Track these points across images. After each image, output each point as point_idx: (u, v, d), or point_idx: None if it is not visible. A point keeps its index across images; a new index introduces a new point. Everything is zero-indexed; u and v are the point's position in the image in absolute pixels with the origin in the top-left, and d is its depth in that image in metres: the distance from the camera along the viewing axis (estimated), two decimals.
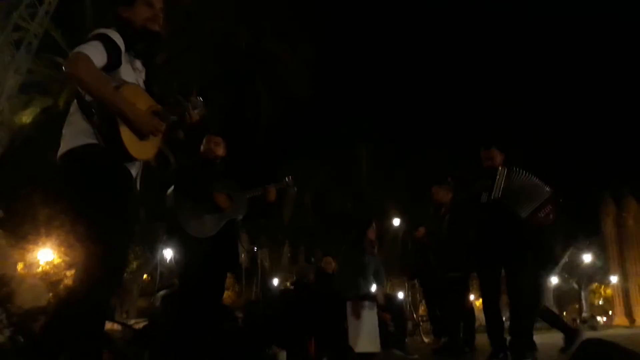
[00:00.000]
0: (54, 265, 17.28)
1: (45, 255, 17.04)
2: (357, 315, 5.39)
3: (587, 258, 36.50)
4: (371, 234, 5.97)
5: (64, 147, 2.34)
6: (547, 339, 11.77)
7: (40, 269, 16.49)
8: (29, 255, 14.27)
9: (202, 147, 4.46)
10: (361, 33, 40.38)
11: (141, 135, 2.36)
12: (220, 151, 4.45)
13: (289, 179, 4.78)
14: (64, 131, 2.39)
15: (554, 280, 38.01)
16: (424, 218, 6.60)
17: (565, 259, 36.37)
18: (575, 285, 39.83)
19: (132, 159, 2.40)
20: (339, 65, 24.11)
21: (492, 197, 4.52)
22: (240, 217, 4.49)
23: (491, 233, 4.59)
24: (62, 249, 14.02)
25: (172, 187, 4.25)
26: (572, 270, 37.93)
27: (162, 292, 4.92)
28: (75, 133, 2.32)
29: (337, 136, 24.21)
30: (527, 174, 4.59)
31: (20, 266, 11.73)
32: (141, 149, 2.40)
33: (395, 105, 26.70)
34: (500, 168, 4.62)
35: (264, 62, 20.79)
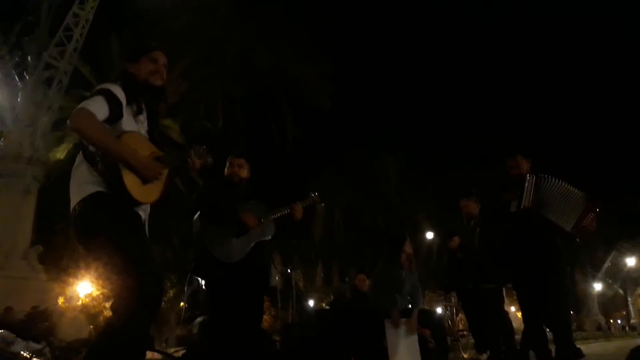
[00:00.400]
0: (93, 298, 17.58)
1: (85, 288, 17.37)
2: (396, 332, 5.29)
3: (630, 261, 35.18)
4: (408, 248, 5.87)
5: (74, 199, 2.47)
6: (590, 348, 11.38)
7: (80, 302, 16.82)
8: (69, 288, 14.57)
9: (225, 170, 4.49)
10: (386, 46, 40.50)
11: (144, 180, 2.49)
12: (244, 173, 4.45)
13: (314, 194, 4.76)
14: (71, 186, 2.52)
15: (597, 286, 36.82)
16: (456, 230, 6.50)
17: (607, 264, 35.19)
18: (621, 291, 38.40)
19: (137, 203, 2.52)
20: (363, 79, 24.13)
21: (522, 207, 4.42)
22: (269, 237, 4.48)
23: (523, 243, 4.48)
24: (100, 281, 14.29)
25: (198, 213, 4.28)
26: (616, 275, 36.60)
27: (199, 319, 4.92)
28: (82, 184, 2.46)
29: (363, 150, 24.16)
30: (557, 181, 4.47)
31: (60, 300, 11.98)
32: (145, 193, 2.53)
33: (422, 117, 26.53)
34: (528, 176, 4.51)
35: (286, 82, 21.00)
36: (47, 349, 3.66)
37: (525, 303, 4.58)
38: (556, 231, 4.44)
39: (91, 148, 2.46)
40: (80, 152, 2.53)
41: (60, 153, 15.05)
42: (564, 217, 4.38)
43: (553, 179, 4.47)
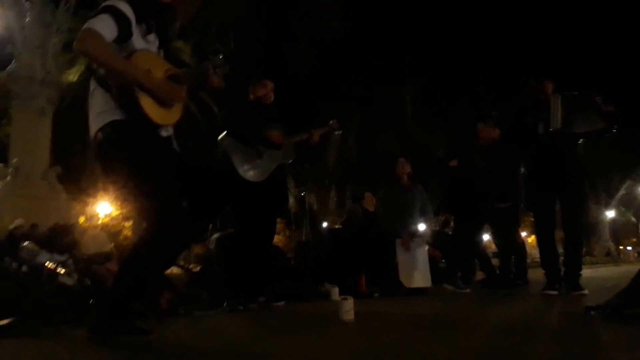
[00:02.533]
0: (113, 218, 18.14)
1: (104, 208, 17.89)
2: (407, 252, 5.41)
3: None
4: (400, 169, 5.85)
5: (93, 128, 2.40)
6: (598, 272, 11.56)
7: (100, 222, 17.39)
8: (89, 208, 15.01)
9: (252, 92, 4.45)
10: None
11: (161, 102, 2.38)
12: (269, 95, 4.44)
13: (333, 122, 4.74)
14: (89, 113, 2.43)
15: (610, 214, 36.97)
16: (465, 151, 6.50)
17: (622, 191, 35.11)
18: (633, 219, 38.53)
19: (157, 127, 2.42)
20: (380, 2, 23.02)
21: (552, 128, 4.34)
22: (289, 161, 4.53)
23: (548, 165, 4.44)
24: (119, 202, 14.63)
25: (225, 132, 4.29)
26: (630, 203, 36.60)
27: (216, 235, 5.06)
28: (99, 112, 2.37)
29: (379, 76, 23.63)
30: (580, 96, 4.37)
31: (81, 219, 12.35)
32: (165, 114, 2.42)
33: (440, 42, 25.55)
34: (552, 97, 4.40)
35: (300, 3, 20.26)
36: (70, 261, 3.79)
37: (542, 222, 4.61)
38: (569, 148, 4.40)
39: (101, 71, 2.35)
40: (92, 76, 2.43)
41: (72, 75, 14.95)
42: (592, 121, 4.32)
43: (572, 95, 4.37)
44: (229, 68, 2.78)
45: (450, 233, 6.40)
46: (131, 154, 2.34)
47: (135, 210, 2.54)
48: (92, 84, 2.43)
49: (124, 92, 2.30)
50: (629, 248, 40.57)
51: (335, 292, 4.63)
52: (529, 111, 4.61)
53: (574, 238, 4.49)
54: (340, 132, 5.02)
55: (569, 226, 4.47)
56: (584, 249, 5.46)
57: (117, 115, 2.33)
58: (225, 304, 3.93)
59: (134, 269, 2.37)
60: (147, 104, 2.33)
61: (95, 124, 2.38)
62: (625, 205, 36.83)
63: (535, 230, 4.71)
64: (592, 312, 2.86)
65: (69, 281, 3.57)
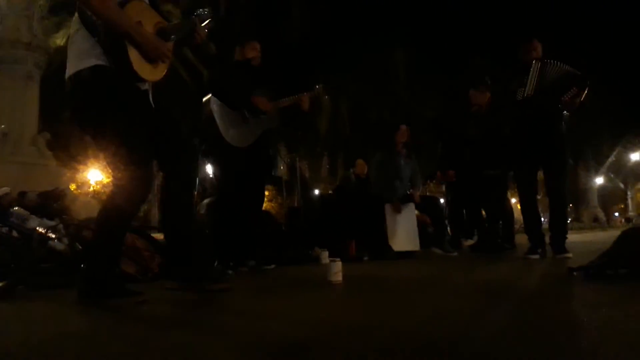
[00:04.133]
0: (104, 185, 18.11)
1: (95, 175, 17.84)
2: (396, 216, 5.47)
3: (634, 157, 35.30)
4: (401, 136, 5.90)
5: (71, 69, 2.36)
6: (584, 236, 11.75)
7: (91, 189, 17.35)
8: (80, 175, 14.97)
9: (238, 53, 4.40)
10: None
11: (147, 58, 2.37)
12: (257, 57, 4.39)
13: (319, 86, 4.70)
14: (69, 51, 2.40)
15: (599, 180, 37.39)
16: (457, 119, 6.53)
17: (612, 158, 35.39)
18: (621, 185, 39.00)
19: (141, 80, 2.43)
20: None
21: (525, 95, 4.37)
22: (274, 126, 4.50)
23: (527, 131, 4.48)
24: (109, 169, 14.60)
25: (210, 95, 4.25)
26: (619, 170, 36.98)
27: (206, 201, 5.09)
28: (81, 53, 2.34)
29: (372, 43, 23.33)
30: (560, 64, 4.36)
31: (72, 186, 12.31)
32: (150, 70, 2.42)
33: (434, 9, 25.16)
34: (534, 62, 4.39)
35: None
36: (60, 226, 3.80)
37: (524, 189, 4.68)
38: (547, 114, 4.42)
39: (89, 14, 2.30)
40: (77, 15, 2.38)
41: (60, 39, 14.63)
42: (563, 83, 4.31)
43: (557, 63, 4.35)
44: (214, 22, 2.75)
45: (438, 198, 6.49)
46: (109, 102, 2.33)
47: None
48: (76, 24, 2.39)
49: (112, 39, 2.28)
50: (616, 214, 41.19)
51: (325, 255, 4.69)
52: (514, 76, 4.60)
53: (558, 204, 4.56)
54: (327, 97, 4.98)
55: (552, 193, 4.53)
56: (572, 216, 5.56)
57: (100, 61, 2.31)
58: (214, 267, 3.98)
59: (108, 229, 2.39)
60: (135, 58, 2.33)
61: (73, 65, 2.35)
62: (614, 172, 37.21)
63: (519, 196, 4.76)
64: (575, 273, 2.93)
65: (60, 246, 3.59)
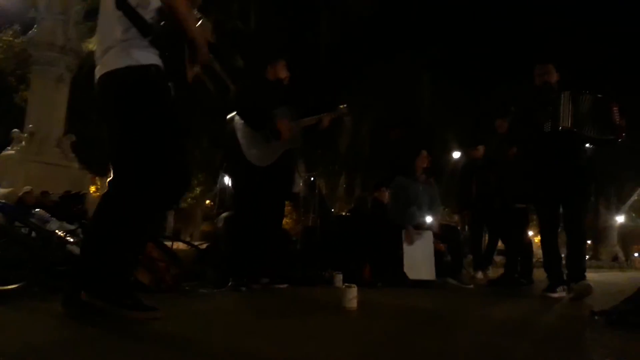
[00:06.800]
0: None
1: None
2: (412, 243, 5.41)
3: None
4: (421, 162, 5.85)
5: (117, 63, 2.33)
6: (603, 276, 11.48)
7: None
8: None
9: (270, 71, 4.43)
10: None
11: (194, 60, 2.47)
12: (285, 75, 4.41)
13: (343, 107, 4.71)
14: (112, 44, 2.36)
15: (620, 218, 36.65)
16: (483, 141, 6.48)
17: (635, 197, 34.74)
18: None
19: (187, 80, 2.49)
20: None
21: (561, 127, 4.26)
22: (296, 146, 4.52)
23: (555, 165, 4.38)
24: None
25: (234, 112, 4.28)
26: None
27: (224, 214, 5.10)
28: (130, 48, 2.32)
29: (397, 65, 23.38)
30: (592, 94, 4.28)
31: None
32: (190, 71, 2.52)
33: (461, 33, 25.13)
34: (563, 94, 4.31)
35: None
36: (79, 230, 3.83)
37: (547, 223, 4.57)
38: (577, 148, 4.34)
39: (151, 17, 2.32)
40: (120, 15, 2.32)
41: (92, 44, 14.95)
42: (603, 128, 4.23)
43: (588, 93, 4.29)
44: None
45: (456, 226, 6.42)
46: (156, 102, 2.35)
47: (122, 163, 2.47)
48: (122, 24, 2.34)
49: (168, 39, 2.36)
50: (636, 254, 40.28)
51: (339, 279, 4.64)
52: (534, 104, 4.50)
53: (577, 240, 4.41)
54: (350, 116, 4.99)
55: (571, 227, 4.39)
56: (590, 253, 5.41)
57: (153, 61, 2.35)
58: (230, 283, 3.97)
59: (130, 234, 2.34)
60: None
61: (127, 59, 2.32)
62: (636, 211, 36.49)
63: (540, 231, 4.65)
64: (597, 317, 2.85)
65: (77, 250, 3.61)
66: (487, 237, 6.99)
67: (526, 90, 4.93)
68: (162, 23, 2.34)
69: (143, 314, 2.24)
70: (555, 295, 4.34)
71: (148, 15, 2.34)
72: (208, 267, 4.50)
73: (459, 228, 6.50)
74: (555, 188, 4.38)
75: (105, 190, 2.56)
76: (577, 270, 4.30)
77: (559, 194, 4.41)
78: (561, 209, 4.49)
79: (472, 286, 5.41)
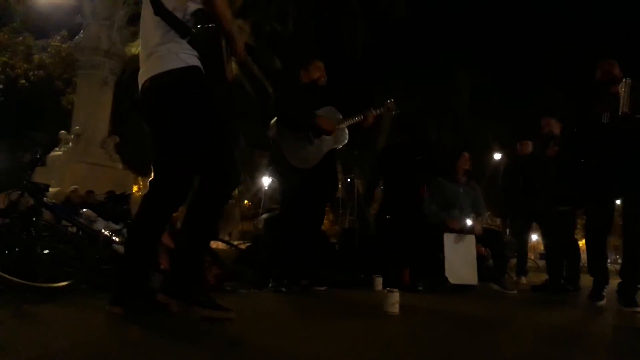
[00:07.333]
0: None
1: None
2: (455, 247, 5.29)
3: None
4: (462, 164, 5.73)
5: (162, 66, 2.37)
6: None
7: None
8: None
9: (303, 75, 4.42)
10: None
11: (234, 54, 2.54)
12: (323, 77, 4.40)
13: (390, 101, 4.64)
14: (147, 43, 2.45)
15: None
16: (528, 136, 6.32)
17: None
18: None
19: (226, 79, 2.56)
20: None
21: (620, 113, 3.94)
22: (340, 146, 4.48)
23: (613, 157, 4.02)
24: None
25: (276, 118, 4.28)
26: None
27: (265, 215, 5.11)
28: (173, 52, 2.37)
29: (436, 64, 23.04)
30: None
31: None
32: (229, 70, 2.58)
33: (501, 33, 24.56)
34: (624, 81, 4.08)
35: None
36: (124, 230, 3.90)
37: (595, 222, 4.31)
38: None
39: (187, 21, 2.38)
40: (158, 20, 2.38)
41: (135, 48, 15.31)
42: None
43: None
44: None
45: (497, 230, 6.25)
46: (205, 104, 2.41)
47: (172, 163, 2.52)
48: (161, 29, 2.40)
49: (206, 39, 2.41)
50: None
51: (379, 282, 4.59)
52: (593, 100, 4.29)
53: (635, 244, 4.08)
54: (398, 112, 4.88)
55: (630, 230, 4.07)
56: None
57: (194, 62, 2.39)
58: (270, 284, 3.98)
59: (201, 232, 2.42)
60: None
61: (172, 62, 2.36)
62: None
63: (587, 230, 4.41)
64: None
65: (123, 250, 3.68)
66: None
67: (584, 86, 4.70)
68: (198, 26, 2.39)
69: (216, 313, 2.28)
70: (602, 302, 4.15)
71: (184, 19, 2.39)
72: (248, 268, 4.54)
73: (501, 231, 6.32)
74: (613, 183, 4.06)
75: (145, 189, 2.65)
76: (631, 283, 4.00)
77: (616, 190, 4.13)
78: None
79: (515, 292, 5.26)
